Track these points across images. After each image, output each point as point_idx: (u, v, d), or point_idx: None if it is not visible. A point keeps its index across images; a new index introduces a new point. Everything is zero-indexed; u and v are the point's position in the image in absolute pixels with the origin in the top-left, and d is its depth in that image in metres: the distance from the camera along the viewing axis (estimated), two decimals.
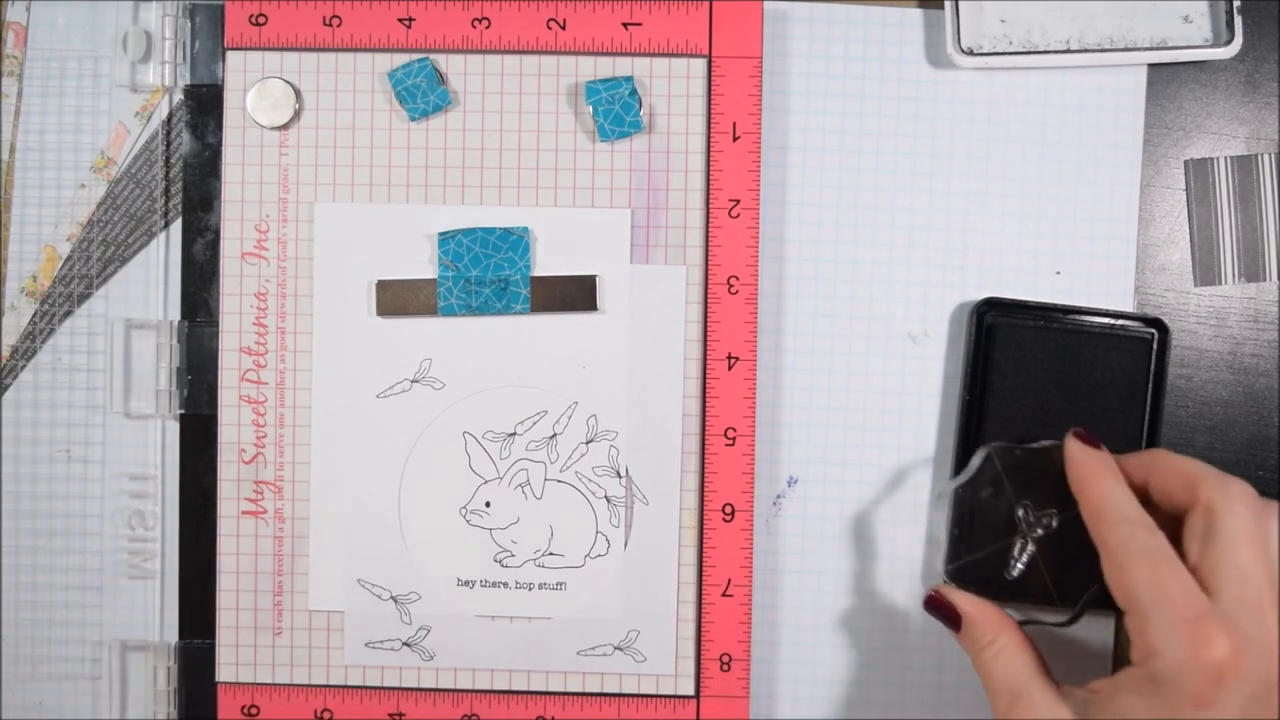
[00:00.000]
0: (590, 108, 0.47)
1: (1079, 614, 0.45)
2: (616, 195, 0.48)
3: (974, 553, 0.45)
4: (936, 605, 0.44)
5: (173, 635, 0.49)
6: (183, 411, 0.49)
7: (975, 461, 0.46)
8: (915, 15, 0.49)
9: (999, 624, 0.43)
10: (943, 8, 0.48)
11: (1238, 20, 0.47)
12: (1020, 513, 0.45)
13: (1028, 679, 0.41)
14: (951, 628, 0.44)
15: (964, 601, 0.44)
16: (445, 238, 0.48)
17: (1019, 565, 0.45)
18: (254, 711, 0.48)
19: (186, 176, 0.49)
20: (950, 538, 0.45)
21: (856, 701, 0.49)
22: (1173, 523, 0.41)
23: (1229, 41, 0.47)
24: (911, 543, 0.49)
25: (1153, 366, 0.47)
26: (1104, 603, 0.41)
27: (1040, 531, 0.45)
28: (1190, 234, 0.50)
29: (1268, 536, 0.39)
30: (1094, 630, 0.49)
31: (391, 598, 0.48)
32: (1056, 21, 0.48)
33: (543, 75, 0.48)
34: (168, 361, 0.49)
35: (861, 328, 0.49)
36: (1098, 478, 0.42)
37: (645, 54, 0.48)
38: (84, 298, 0.49)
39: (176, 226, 0.49)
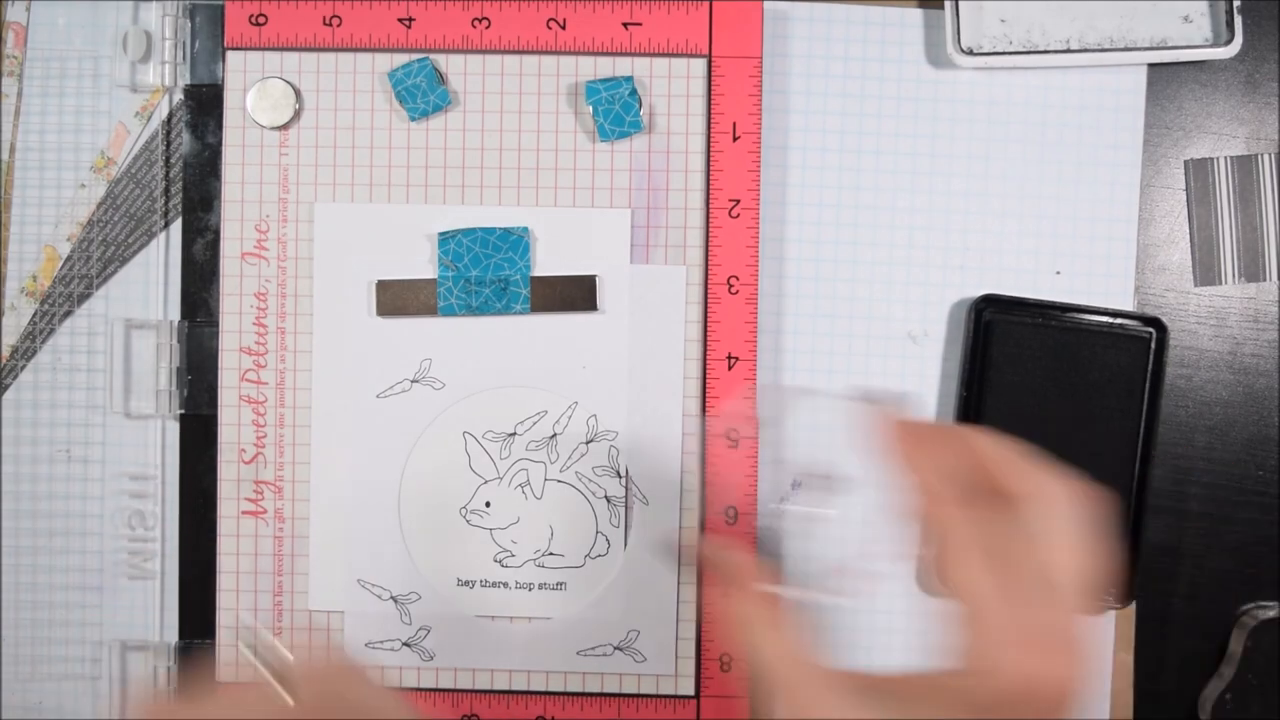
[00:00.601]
0: (590, 108, 0.47)
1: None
2: (616, 195, 0.48)
3: None
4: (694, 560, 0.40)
5: (173, 635, 0.49)
6: (183, 411, 0.49)
7: None
8: (915, 15, 0.49)
9: (753, 594, 0.36)
10: (943, 8, 0.48)
11: (1238, 20, 0.47)
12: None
13: (811, 671, 0.34)
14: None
15: (708, 552, 0.39)
16: (445, 238, 0.48)
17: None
18: None
19: (186, 176, 0.49)
20: None
21: None
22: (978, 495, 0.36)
23: (1229, 41, 0.47)
24: (911, 543, 0.49)
25: (1150, 365, 0.47)
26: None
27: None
28: (1190, 234, 0.50)
29: (1086, 539, 0.35)
30: (1094, 628, 0.49)
31: (391, 598, 0.48)
32: (1056, 21, 0.48)
33: (543, 75, 0.48)
34: (168, 361, 0.49)
35: (861, 328, 0.49)
36: (918, 450, 0.36)
37: (645, 54, 0.48)
38: (84, 298, 0.49)
39: (176, 226, 0.49)
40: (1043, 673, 0.33)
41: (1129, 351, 0.48)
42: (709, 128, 0.48)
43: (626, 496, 0.48)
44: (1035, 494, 0.35)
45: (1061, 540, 0.34)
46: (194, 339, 0.49)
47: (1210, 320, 0.50)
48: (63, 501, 0.49)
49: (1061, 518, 0.35)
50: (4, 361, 0.49)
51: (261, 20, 0.48)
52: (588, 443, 0.48)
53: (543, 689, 0.48)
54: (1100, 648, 0.49)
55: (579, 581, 0.48)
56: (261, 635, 0.39)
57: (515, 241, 0.48)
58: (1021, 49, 0.48)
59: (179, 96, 0.49)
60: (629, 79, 0.47)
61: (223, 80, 0.48)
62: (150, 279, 0.49)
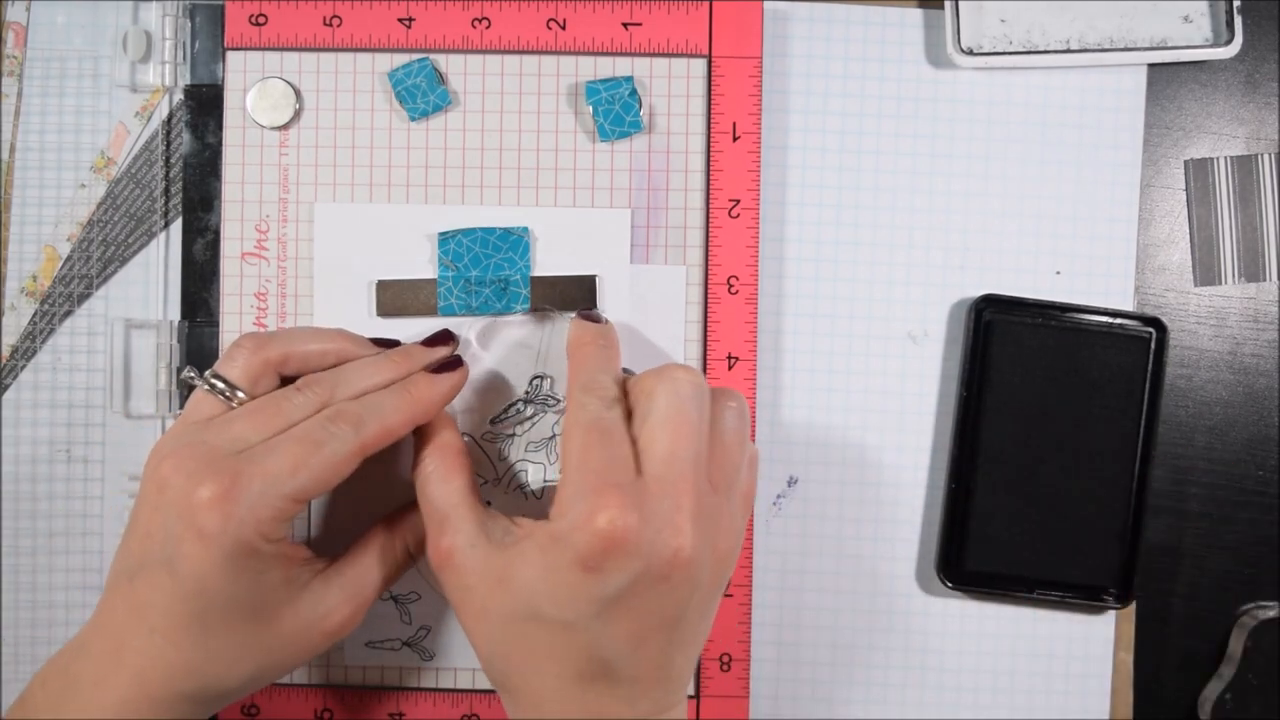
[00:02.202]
0: (590, 108, 0.47)
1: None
2: (616, 195, 0.48)
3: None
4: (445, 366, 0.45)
5: None
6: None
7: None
8: (915, 15, 0.49)
9: (438, 447, 0.43)
10: (943, 8, 0.48)
11: (1238, 20, 0.47)
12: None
13: (457, 503, 0.41)
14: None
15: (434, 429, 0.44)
16: (445, 238, 0.48)
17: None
18: (254, 712, 0.48)
19: (186, 176, 0.49)
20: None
21: (856, 701, 0.49)
22: None
23: (1229, 41, 0.47)
24: (910, 541, 0.49)
25: (1150, 365, 0.48)
26: None
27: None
28: (1190, 234, 0.50)
29: (702, 416, 0.39)
30: (1094, 628, 0.49)
31: (391, 598, 0.48)
32: (1056, 21, 0.48)
33: (543, 75, 0.48)
34: (168, 361, 0.49)
35: (861, 328, 0.49)
36: (584, 348, 0.43)
37: (645, 54, 0.48)
38: (84, 298, 0.49)
39: (176, 226, 0.49)
40: (603, 523, 0.37)
41: (1129, 351, 0.48)
42: (709, 128, 0.48)
43: None
44: (657, 378, 0.40)
45: (677, 418, 0.38)
46: (194, 339, 0.49)
47: (1210, 320, 0.50)
48: (63, 501, 0.49)
49: (679, 398, 0.39)
50: (4, 361, 0.49)
51: (261, 20, 0.48)
52: None
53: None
54: (1100, 647, 0.49)
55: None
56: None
57: (515, 241, 0.48)
58: (1021, 49, 0.48)
59: (179, 96, 0.49)
60: (629, 79, 0.47)
61: (223, 80, 0.48)
62: (150, 279, 0.49)
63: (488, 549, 0.40)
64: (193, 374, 0.42)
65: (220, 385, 0.41)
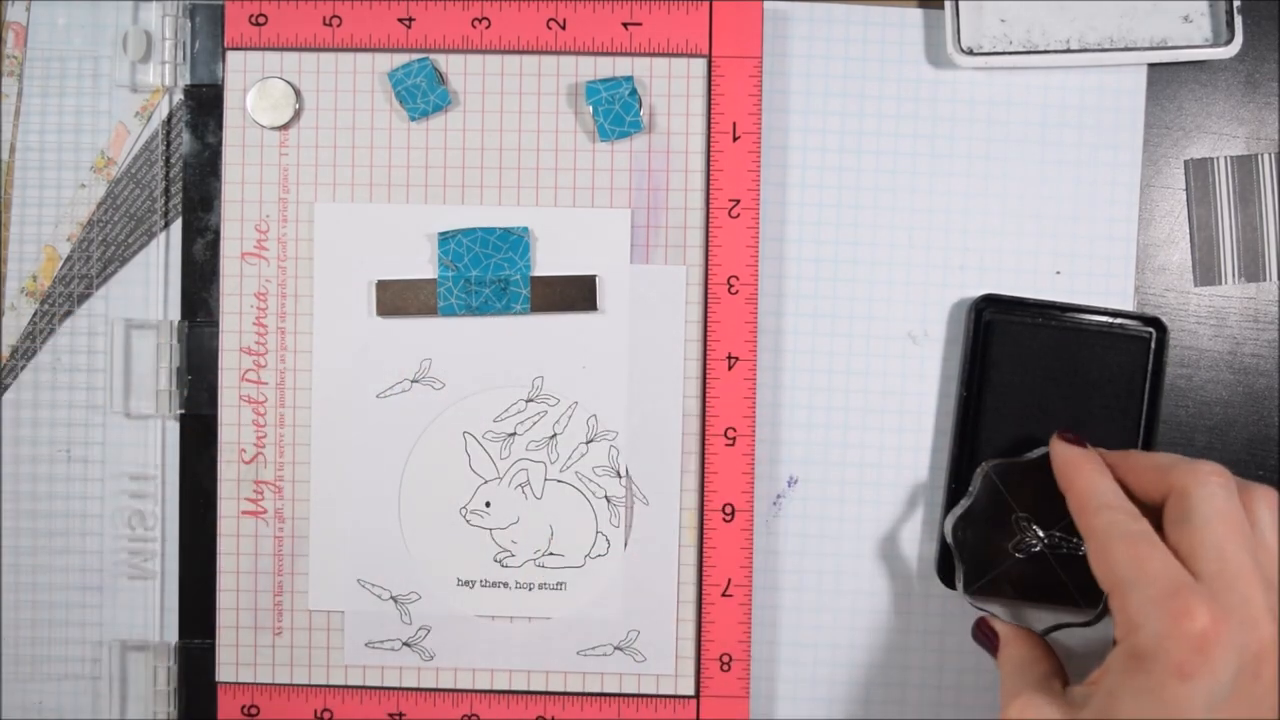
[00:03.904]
0: (590, 108, 0.47)
1: (1102, 612, 0.45)
2: (616, 195, 0.48)
3: (989, 572, 0.46)
4: (981, 632, 0.46)
5: (173, 635, 0.49)
6: (183, 411, 0.49)
7: (975, 484, 0.46)
8: (915, 15, 0.49)
9: (1009, 636, 0.44)
10: (943, 8, 0.48)
11: (1238, 20, 0.47)
12: (1020, 523, 0.45)
13: (1026, 684, 0.41)
14: (991, 652, 0.45)
15: (995, 625, 0.45)
16: (445, 238, 0.48)
17: (1026, 571, 0.46)
18: (254, 711, 0.48)
19: (186, 176, 0.49)
20: (962, 561, 0.46)
21: (856, 701, 0.49)
22: (1155, 516, 0.41)
23: (1229, 41, 0.47)
24: (911, 542, 0.49)
25: (1150, 366, 0.47)
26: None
27: (1043, 538, 0.45)
28: (1190, 234, 0.50)
29: (1242, 513, 0.39)
30: (1094, 627, 0.49)
31: (391, 598, 0.48)
32: (1056, 21, 0.48)
33: (543, 75, 0.48)
34: (168, 361, 0.49)
35: (861, 328, 0.49)
36: (1082, 470, 0.42)
37: (645, 54, 0.48)
38: (84, 298, 0.49)
39: (176, 226, 0.49)
40: (1193, 625, 0.36)
41: (1129, 352, 0.48)
42: (709, 128, 0.48)
43: (627, 496, 0.48)
44: (1192, 479, 0.40)
45: (1221, 516, 0.38)
46: (194, 339, 0.49)
47: (1210, 320, 0.50)
48: (63, 501, 0.49)
49: (1217, 496, 0.39)
50: (4, 361, 0.49)
51: (261, 20, 0.48)
52: (588, 443, 0.48)
53: (543, 689, 0.48)
54: (1100, 647, 0.49)
55: (579, 581, 0.48)
56: None
57: (515, 241, 0.48)
58: (1021, 49, 0.48)
59: (179, 96, 0.49)
60: (629, 79, 0.47)
61: (223, 80, 0.48)
62: (150, 279, 0.49)
63: (1068, 710, 0.39)
64: None
65: None
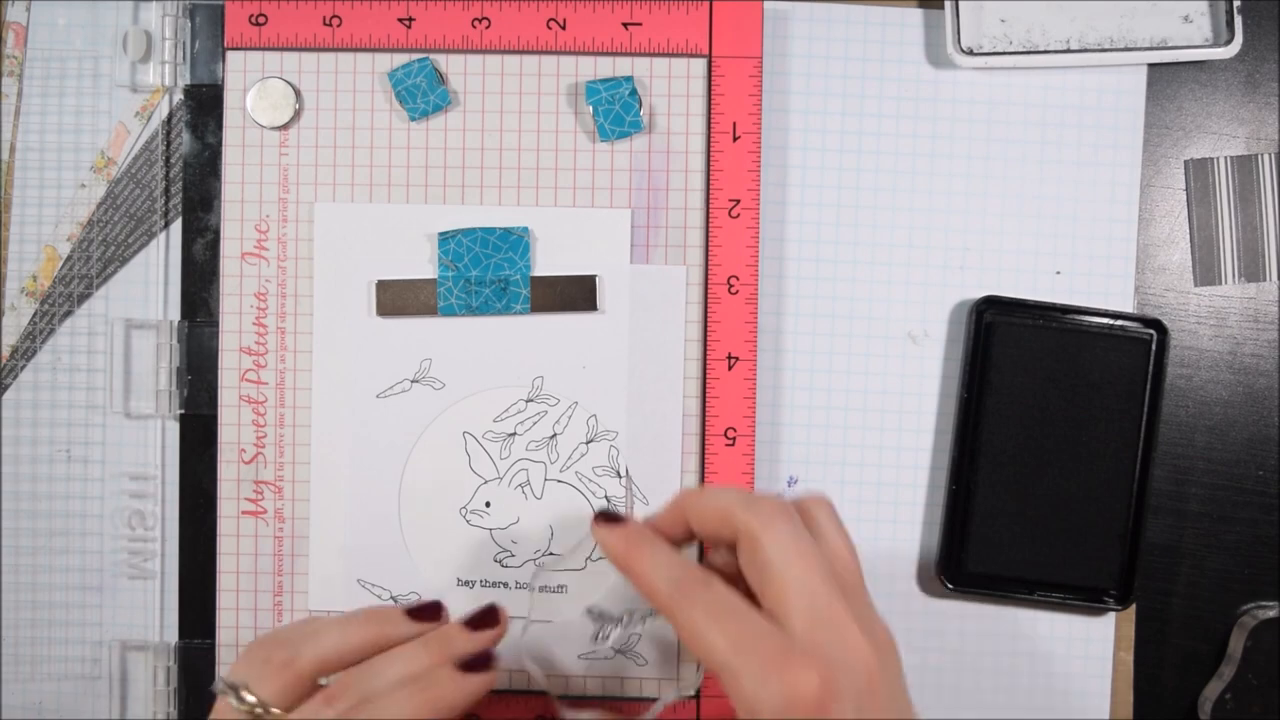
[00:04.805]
0: (590, 108, 0.47)
1: (698, 680, 0.47)
2: (616, 195, 0.48)
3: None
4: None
5: (173, 635, 0.49)
6: (183, 411, 0.49)
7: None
8: (915, 15, 0.49)
9: None
10: (943, 8, 0.48)
11: (1238, 20, 0.47)
12: (589, 615, 0.46)
13: None
14: None
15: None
16: (445, 238, 0.48)
17: (611, 652, 0.47)
18: None
19: (186, 176, 0.49)
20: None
21: None
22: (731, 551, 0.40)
23: (1229, 41, 0.47)
24: (911, 542, 0.49)
25: (1151, 367, 0.47)
26: None
27: (625, 623, 0.46)
28: (1190, 234, 0.50)
29: (812, 541, 0.38)
30: (1094, 628, 0.49)
31: (391, 598, 0.48)
32: (1056, 21, 0.48)
33: (543, 75, 0.48)
34: (168, 361, 0.49)
35: (861, 328, 0.49)
36: (634, 554, 0.40)
37: (645, 54, 0.48)
38: (84, 298, 0.49)
39: (176, 226, 0.49)
40: (798, 688, 0.35)
41: (1130, 353, 0.48)
42: (709, 128, 0.48)
43: (627, 496, 0.48)
44: (756, 523, 0.38)
45: (796, 556, 0.37)
46: (194, 339, 0.49)
47: (1210, 320, 0.50)
48: (63, 501, 0.49)
49: (786, 535, 0.38)
50: (4, 361, 0.49)
51: (261, 20, 0.48)
52: (588, 443, 0.48)
53: (543, 689, 0.48)
54: (1100, 647, 0.49)
55: (579, 583, 0.48)
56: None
57: (515, 241, 0.48)
58: (1021, 49, 0.48)
59: (179, 96, 0.49)
60: (629, 79, 0.47)
61: (223, 80, 0.48)
62: (150, 279, 0.49)
63: None
64: (224, 689, 0.41)
65: (253, 702, 0.40)
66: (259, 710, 0.40)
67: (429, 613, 0.43)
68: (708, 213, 0.48)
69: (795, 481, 0.49)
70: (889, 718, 0.37)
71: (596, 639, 0.46)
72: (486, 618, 0.43)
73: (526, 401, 0.48)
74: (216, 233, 0.49)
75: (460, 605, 0.48)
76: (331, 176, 0.48)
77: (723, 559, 0.41)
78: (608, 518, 0.41)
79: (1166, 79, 0.49)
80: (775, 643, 0.36)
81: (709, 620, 0.37)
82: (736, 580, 0.39)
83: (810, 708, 0.35)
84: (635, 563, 0.40)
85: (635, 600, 0.45)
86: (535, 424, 0.48)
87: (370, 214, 0.48)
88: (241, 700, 0.40)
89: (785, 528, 0.38)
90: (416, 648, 0.41)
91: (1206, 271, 0.50)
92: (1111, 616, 0.49)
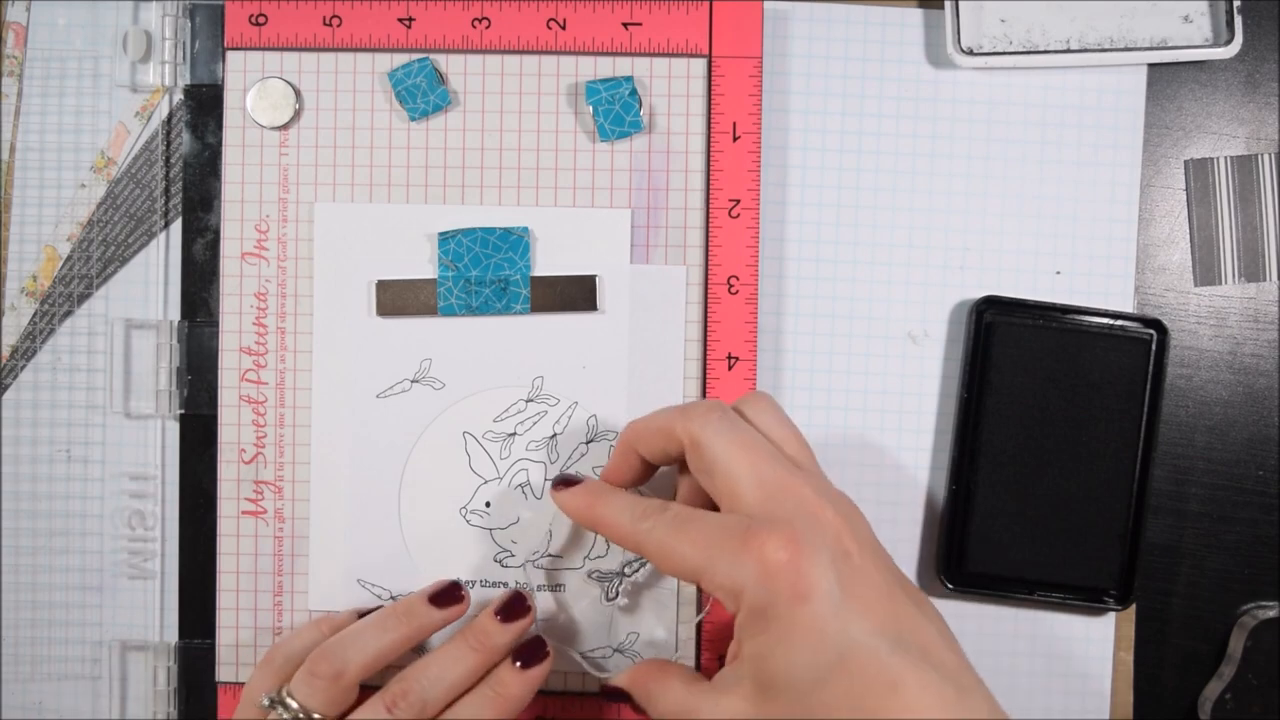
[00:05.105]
0: (590, 108, 0.47)
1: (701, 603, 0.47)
2: (616, 195, 0.48)
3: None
4: (612, 696, 0.44)
5: (173, 635, 0.49)
6: (183, 411, 0.49)
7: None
8: (915, 15, 0.49)
9: (638, 680, 0.42)
10: (943, 8, 0.48)
11: (1238, 20, 0.47)
12: (590, 580, 0.47)
13: (684, 699, 0.40)
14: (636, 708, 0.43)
15: (619, 680, 0.43)
16: (445, 238, 0.48)
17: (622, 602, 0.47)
18: None
19: (186, 176, 0.49)
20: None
21: None
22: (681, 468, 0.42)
23: (1229, 41, 0.47)
24: (911, 542, 0.49)
25: (1151, 367, 0.47)
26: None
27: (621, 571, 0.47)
28: (1190, 234, 0.50)
29: (750, 430, 0.40)
30: (1094, 628, 0.49)
31: (391, 598, 0.48)
32: (1056, 21, 0.48)
33: (543, 75, 0.48)
34: (168, 361, 0.49)
35: (861, 328, 0.49)
36: (594, 504, 0.42)
37: (645, 54, 0.48)
38: (84, 298, 0.49)
39: (176, 226, 0.49)
40: (770, 555, 0.36)
41: (1130, 354, 0.48)
42: (709, 128, 0.48)
43: None
44: (694, 425, 0.40)
45: (735, 446, 0.39)
46: (194, 339, 0.49)
47: (1210, 320, 0.50)
48: (63, 501, 0.49)
49: (722, 430, 0.39)
50: (4, 361, 0.49)
51: (261, 20, 0.48)
52: (588, 443, 0.48)
53: (543, 689, 0.48)
54: (1100, 647, 0.49)
55: (579, 583, 0.48)
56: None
57: (515, 241, 0.48)
58: (1021, 49, 0.48)
59: (179, 96, 0.49)
60: (629, 79, 0.47)
61: (223, 80, 0.48)
62: (150, 279, 0.49)
63: (728, 691, 0.39)
64: (273, 703, 0.42)
65: (303, 715, 0.42)
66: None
67: (451, 595, 0.45)
68: (708, 213, 0.48)
69: None
70: (874, 572, 0.37)
71: (607, 598, 0.47)
72: (515, 606, 0.44)
73: (526, 401, 0.48)
74: (216, 233, 0.49)
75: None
76: (331, 176, 0.48)
77: (687, 491, 0.43)
78: (565, 482, 0.44)
79: (1166, 79, 0.49)
80: (736, 528, 0.38)
81: (672, 534, 0.39)
82: (709, 507, 0.40)
83: (787, 572, 0.36)
84: (598, 514, 0.42)
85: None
86: (535, 424, 0.48)
87: (370, 214, 0.48)
88: (296, 713, 0.42)
89: (721, 424, 0.40)
90: (461, 647, 0.43)
91: (1206, 271, 0.50)
92: (1111, 616, 0.49)
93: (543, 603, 0.48)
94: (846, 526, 0.38)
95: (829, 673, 0.36)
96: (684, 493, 0.43)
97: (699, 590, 0.47)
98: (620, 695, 0.43)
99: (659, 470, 0.44)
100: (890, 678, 0.35)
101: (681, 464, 0.42)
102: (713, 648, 0.48)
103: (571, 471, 0.47)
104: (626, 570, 0.46)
